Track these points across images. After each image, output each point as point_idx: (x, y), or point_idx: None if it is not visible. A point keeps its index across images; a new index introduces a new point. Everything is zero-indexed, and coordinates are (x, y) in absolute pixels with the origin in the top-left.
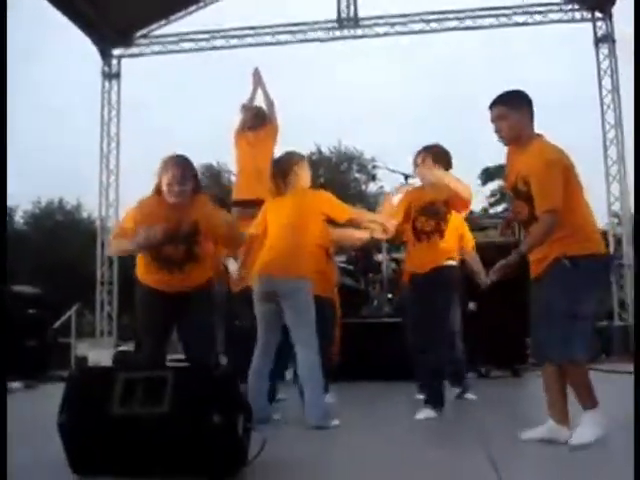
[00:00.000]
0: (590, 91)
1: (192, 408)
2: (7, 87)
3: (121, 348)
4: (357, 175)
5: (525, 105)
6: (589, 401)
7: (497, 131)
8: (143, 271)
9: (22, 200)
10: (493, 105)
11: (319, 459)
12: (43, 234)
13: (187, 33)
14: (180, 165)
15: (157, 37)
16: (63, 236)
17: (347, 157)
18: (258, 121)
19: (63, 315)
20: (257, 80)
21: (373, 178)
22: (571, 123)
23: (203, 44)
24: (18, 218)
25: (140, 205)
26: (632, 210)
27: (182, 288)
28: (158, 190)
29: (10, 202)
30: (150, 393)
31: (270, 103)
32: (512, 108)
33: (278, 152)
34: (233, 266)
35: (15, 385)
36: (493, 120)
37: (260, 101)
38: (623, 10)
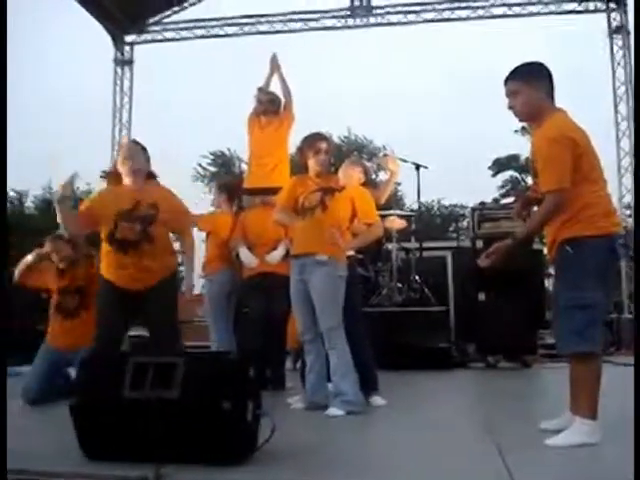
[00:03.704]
0: (603, 83)
1: (202, 394)
2: (7, 87)
3: (134, 332)
4: (367, 164)
5: (541, 79)
6: (588, 409)
7: (511, 107)
8: (105, 265)
9: (33, 185)
10: (507, 79)
11: (328, 446)
12: (54, 219)
13: (200, 20)
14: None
15: (170, 24)
16: None
17: (357, 145)
18: (273, 107)
19: None
20: (274, 66)
21: (380, 165)
22: (583, 115)
23: (216, 31)
24: (29, 203)
25: (100, 191)
26: None
27: (141, 280)
28: (115, 175)
29: (21, 187)
30: (160, 378)
31: (287, 91)
32: (526, 83)
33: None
34: (244, 253)
35: (25, 369)
36: (507, 95)
37: (276, 88)
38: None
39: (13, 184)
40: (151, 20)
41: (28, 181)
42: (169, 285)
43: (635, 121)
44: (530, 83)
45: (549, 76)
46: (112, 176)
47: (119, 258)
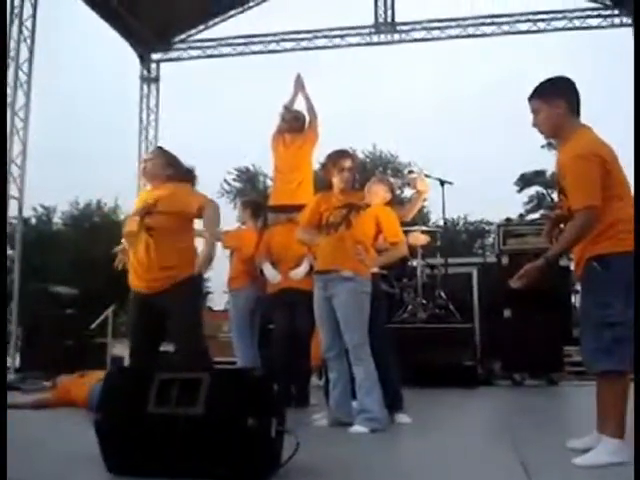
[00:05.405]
0: (627, 97)
1: (226, 410)
2: (6, 89)
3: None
4: (392, 180)
5: (561, 96)
6: (615, 428)
7: (534, 125)
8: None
9: (60, 200)
10: (529, 98)
11: (352, 463)
12: (81, 235)
13: (226, 38)
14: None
15: (196, 42)
16: (100, 237)
17: (382, 161)
18: (297, 125)
19: (100, 316)
20: (298, 86)
21: (408, 183)
22: (608, 128)
23: (241, 49)
24: (56, 219)
25: None
26: None
27: (151, 281)
28: None
29: (49, 202)
30: (185, 394)
31: (312, 110)
32: (545, 101)
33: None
34: (268, 270)
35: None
36: (532, 113)
37: (300, 107)
38: None
39: (41, 200)
40: (177, 38)
41: (55, 197)
42: (186, 288)
43: (635, 121)
44: (549, 101)
45: (572, 91)
46: None
47: (132, 258)
